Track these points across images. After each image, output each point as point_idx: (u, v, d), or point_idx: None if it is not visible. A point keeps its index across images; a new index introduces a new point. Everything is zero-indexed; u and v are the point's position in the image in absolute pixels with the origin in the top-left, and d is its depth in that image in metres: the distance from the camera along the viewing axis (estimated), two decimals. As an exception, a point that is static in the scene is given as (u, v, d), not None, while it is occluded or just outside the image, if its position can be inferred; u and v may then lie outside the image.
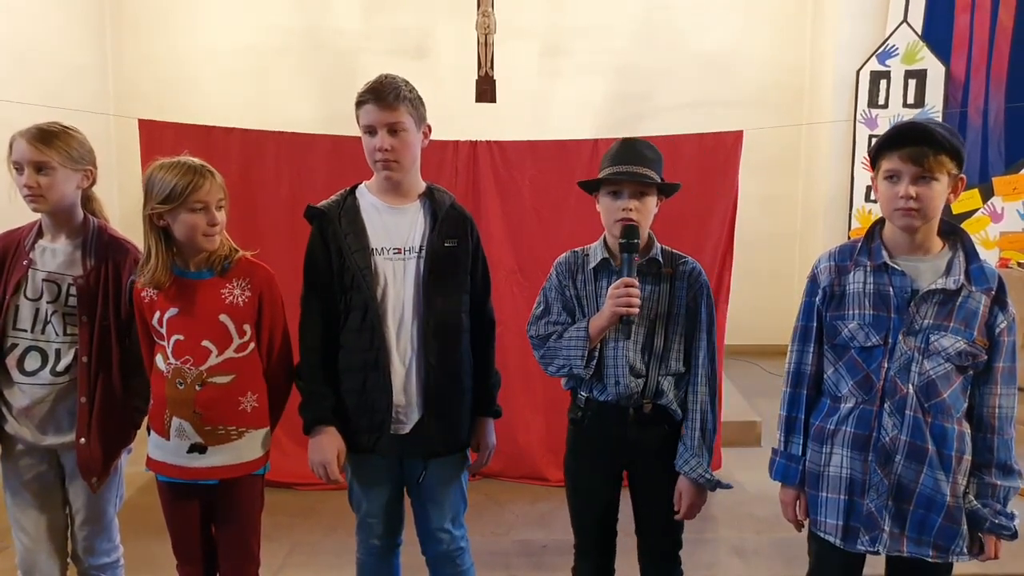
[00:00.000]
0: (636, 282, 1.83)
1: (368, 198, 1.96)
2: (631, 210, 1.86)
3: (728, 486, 1.94)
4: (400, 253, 1.92)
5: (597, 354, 1.91)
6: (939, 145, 1.63)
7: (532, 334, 2.02)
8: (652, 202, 1.91)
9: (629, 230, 1.84)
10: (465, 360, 2.00)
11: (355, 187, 2.00)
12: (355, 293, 1.89)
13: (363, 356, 1.90)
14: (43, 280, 1.97)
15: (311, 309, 1.95)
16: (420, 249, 1.92)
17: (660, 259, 1.93)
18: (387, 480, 2.00)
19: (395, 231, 1.93)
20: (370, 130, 1.88)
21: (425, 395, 1.92)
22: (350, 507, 2.07)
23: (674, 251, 1.99)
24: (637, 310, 1.83)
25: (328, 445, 1.91)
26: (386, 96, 1.85)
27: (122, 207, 2.41)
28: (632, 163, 1.86)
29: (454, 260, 1.96)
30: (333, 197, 1.98)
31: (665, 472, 1.93)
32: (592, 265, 1.95)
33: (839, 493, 1.75)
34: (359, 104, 1.89)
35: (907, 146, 1.65)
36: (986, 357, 1.69)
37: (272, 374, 1.99)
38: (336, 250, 1.91)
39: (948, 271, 1.68)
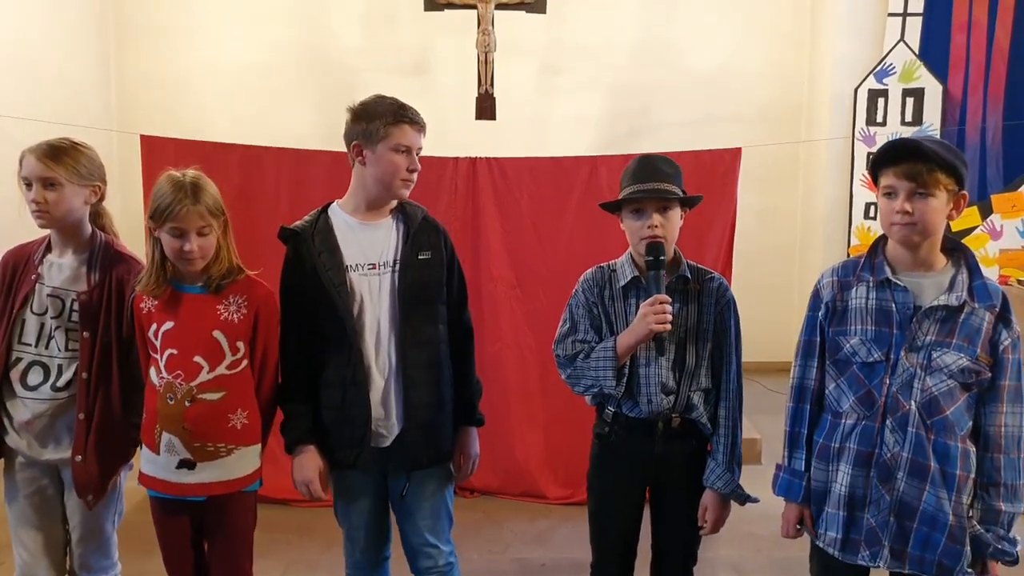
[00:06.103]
0: (668, 298, 1.83)
1: (341, 216, 1.98)
2: (656, 226, 1.85)
3: (756, 499, 1.94)
4: (375, 268, 1.93)
5: (627, 372, 1.90)
6: (932, 161, 1.63)
7: (559, 353, 1.99)
8: (676, 216, 1.90)
9: (653, 247, 1.85)
10: (444, 370, 2.00)
11: (327, 206, 2.01)
12: (332, 310, 1.90)
13: (341, 372, 1.91)
14: (48, 295, 1.97)
15: (290, 329, 1.97)
16: (394, 263, 1.94)
17: (688, 275, 1.93)
18: (369, 495, 2.00)
19: (369, 247, 1.94)
20: (405, 150, 1.91)
21: (406, 407, 1.93)
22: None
23: (700, 266, 1.99)
24: (671, 326, 1.82)
25: (309, 464, 1.93)
26: (421, 121, 1.93)
27: (124, 222, 2.41)
28: (651, 179, 1.87)
29: (428, 272, 1.97)
30: (306, 217, 2.00)
31: (690, 487, 1.93)
32: (622, 283, 1.94)
33: (839, 509, 1.74)
34: (396, 122, 1.89)
35: (901, 162, 1.66)
36: (989, 375, 1.67)
37: (263, 391, 1.98)
38: (311, 269, 1.92)
39: (951, 288, 1.68)
